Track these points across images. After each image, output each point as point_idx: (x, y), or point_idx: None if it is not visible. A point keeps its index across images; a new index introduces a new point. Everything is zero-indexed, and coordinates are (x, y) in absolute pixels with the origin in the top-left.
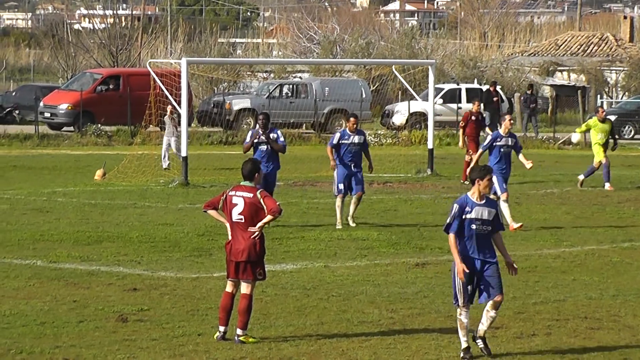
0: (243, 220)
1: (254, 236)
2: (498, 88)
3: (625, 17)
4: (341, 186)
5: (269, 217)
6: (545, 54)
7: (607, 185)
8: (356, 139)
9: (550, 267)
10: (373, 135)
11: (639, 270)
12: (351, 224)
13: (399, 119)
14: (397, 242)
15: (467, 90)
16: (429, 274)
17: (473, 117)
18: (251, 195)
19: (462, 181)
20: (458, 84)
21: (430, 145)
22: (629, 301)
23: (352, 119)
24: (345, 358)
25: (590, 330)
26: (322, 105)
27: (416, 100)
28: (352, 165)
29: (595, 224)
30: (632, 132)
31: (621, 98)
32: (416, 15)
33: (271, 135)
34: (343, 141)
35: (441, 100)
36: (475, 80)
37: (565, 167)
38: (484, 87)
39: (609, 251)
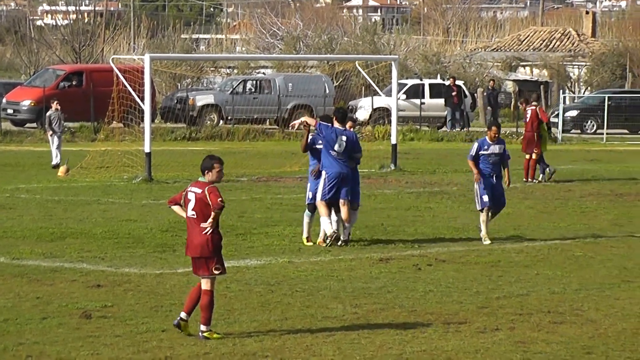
0: (195, 216)
1: (205, 232)
2: (461, 83)
3: (587, 12)
4: (486, 198)
5: (213, 214)
6: (508, 49)
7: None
8: (497, 148)
9: (514, 261)
10: None
11: (602, 264)
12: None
13: (362, 114)
14: (360, 237)
15: (430, 85)
16: (392, 269)
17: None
18: (200, 191)
19: (524, 180)
20: (421, 80)
21: (393, 141)
22: (591, 295)
23: (493, 127)
24: (309, 353)
25: (554, 324)
26: (285, 101)
27: (379, 95)
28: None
29: (558, 218)
30: (595, 127)
31: (583, 93)
32: (379, 10)
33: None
34: (482, 152)
35: (404, 96)
36: (439, 76)
37: None
38: (447, 83)
39: (572, 245)
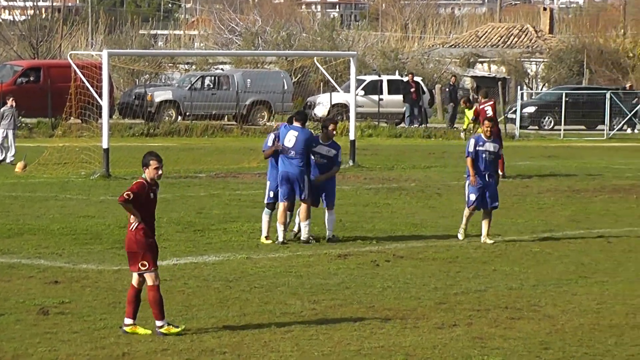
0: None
1: (130, 227)
2: (419, 80)
3: (545, 9)
4: (472, 197)
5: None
6: (465, 46)
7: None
8: (491, 147)
9: (472, 257)
10: None
11: (559, 260)
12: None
13: (320, 110)
14: (319, 234)
15: (389, 82)
16: (351, 265)
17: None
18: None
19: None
20: (379, 76)
21: (352, 137)
22: (548, 291)
23: (486, 122)
24: (267, 349)
25: (511, 320)
26: (244, 97)
27: (338, 91)
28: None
29: (515, 214)
30: (552, 123)
31: (541, 89)
32: (337, 7)
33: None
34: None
35: (363, 92)
36: (397, 72)
37: None
38: (406, 79)
39: (529, 241)
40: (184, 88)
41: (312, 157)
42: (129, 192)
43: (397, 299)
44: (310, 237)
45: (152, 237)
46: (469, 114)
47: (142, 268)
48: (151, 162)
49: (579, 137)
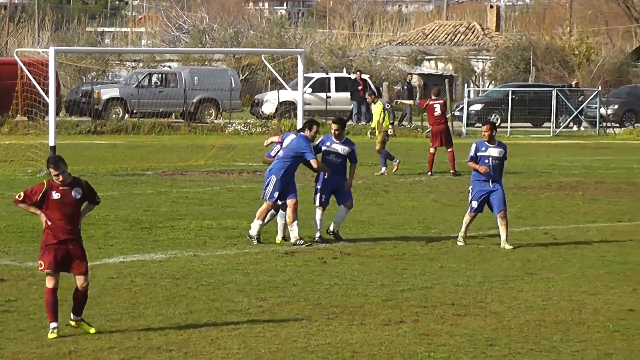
0: None
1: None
2: (366, 77)
3: (491, 6)
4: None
5: None
6: (413, 43)
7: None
8: (496, 152)
9: (418, 254)
10: (243, 125)
11: (505, 256)
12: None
13: (268, 108)
14: (266, 231)
15: (336, 79)
16: (298, 262)
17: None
18: None
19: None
20: (327, 73)
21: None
22: (494, 287)
23: (485, 126)
24: (214, 347)
25: (457, 317)
26: (191, 94)
27: (285, 89)
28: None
29: (462, 211)
30: (499, 121)
31: (488, 87)
32: (285, 4)
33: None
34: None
35: (310, 90)
36: (345, 70)
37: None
38: (353, 77)
39: (476, 238)
40: (131, 85)
41: (327, 157)
42: (21, 193)
43: (344, 296)
44: (298, 241)
45: (59, 239)
46: (376, 108)
47: (39, 268)
48: (50, 169)
49: (525, 134)
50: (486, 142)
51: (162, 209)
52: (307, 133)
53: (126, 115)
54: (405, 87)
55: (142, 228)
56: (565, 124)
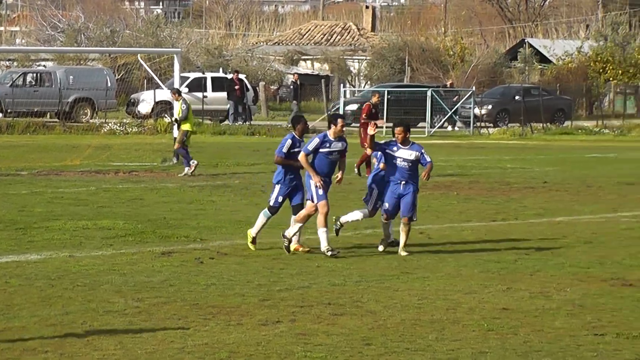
0: None
1: None
2: (243, 77)
3: (367, 7)
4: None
5: None
6: (289, 43)
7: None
8: (408, 154)
9: (295, 254)
10: (119, 124)
11: (381, 256)
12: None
13: (144, 107)
14: (143, 231)
15: (213, 79)
16: (175, 262)
17: (373, 110)
18: None
19: (355, 170)
20: (203, 73)
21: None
22: (371, 287)
23: (397, 128)
24: (90, 348)
25: (334, 316)
26: (66, 93)
27: (162, 89)
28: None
29: (339, 211)
30: None
31: (364, 87)
32: (161, 3)
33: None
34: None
35: (187, 89)
36: (221, 69)
37: None
38: (230, 76)
39: (352, 237)
40: (6, 85)
41: (329, 157)
42: None
43: (221, 296)
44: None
45: None
46: (177, 105)
47: None
48: None
49: None
50: (399, 143)
51: (38, 210)
52: (333, 129)
53: (0, 114)
54: (292, 87)
55: (17, 228)
56: (440, 124)
